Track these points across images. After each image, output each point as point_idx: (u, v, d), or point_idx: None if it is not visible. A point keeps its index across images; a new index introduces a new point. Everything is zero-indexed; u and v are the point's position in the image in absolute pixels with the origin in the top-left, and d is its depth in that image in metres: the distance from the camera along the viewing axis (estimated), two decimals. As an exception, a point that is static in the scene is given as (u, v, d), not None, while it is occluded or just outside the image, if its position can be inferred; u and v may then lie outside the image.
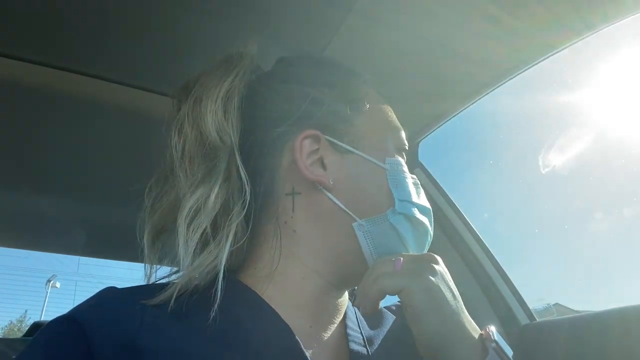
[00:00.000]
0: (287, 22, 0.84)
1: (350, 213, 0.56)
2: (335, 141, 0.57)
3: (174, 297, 0.50)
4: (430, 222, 0.61)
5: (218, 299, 0.50)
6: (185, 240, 0.51)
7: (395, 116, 0.66)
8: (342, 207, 0.56)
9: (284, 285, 0.56)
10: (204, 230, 0.51)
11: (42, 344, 0.47)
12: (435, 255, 0.53)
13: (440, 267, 0.52)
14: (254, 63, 0.63)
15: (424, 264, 0.51)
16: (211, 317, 0.51)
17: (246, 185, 0.54)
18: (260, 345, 0.50)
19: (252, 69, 0.63)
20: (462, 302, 0.51)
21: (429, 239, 0.61)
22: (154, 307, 0.51)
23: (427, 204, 0.61)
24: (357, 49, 0.89)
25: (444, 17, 0.81)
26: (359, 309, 0.53)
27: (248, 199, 0.54)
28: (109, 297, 0.52)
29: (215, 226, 0.53)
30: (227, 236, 0.52)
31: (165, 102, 1.02)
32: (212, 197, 0.52)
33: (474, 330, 0.50)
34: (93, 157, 1.20)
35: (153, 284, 0.57)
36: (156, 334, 0.48)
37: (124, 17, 0.81)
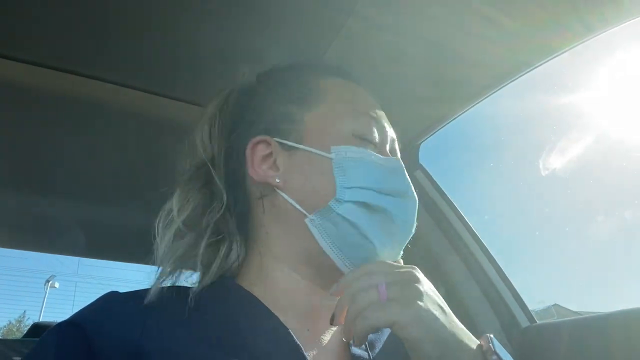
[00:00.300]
0: (287, 25, 0.84)
1: (300, 209, 0.57)
2: (282, 141, 0.60)
3: (156, 285, 0.54)
4: (405, 205, 0.58)
5: (201, 286, 0.54)
6: (162, 236, 0.57)
7: (364, 103, 0.65)
8: (293, 203, 0.58)
9: (272, 287, 0.58)
10: (177, 227, 0.57)
11: (45, 349, 0.48)
12: (415, 271, 0.51)
13: (423, 284, 0.50)
14: (236, 91, 0.69)
15: (409, 287, 0.48)
16: (209, 318, 0.53)
17: (223, 191, 0.60)
18: (262, 350, 0.50)
19: (237, 94, 0.69)
20: (452, 314, 0.50)
21: (403, 225, 0.58)
22: (156, 311, 0.51)
23: (400, 186, 0.59)
24: (358, 51, 0.89)
25: (444, 20, 0.81)
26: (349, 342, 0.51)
27: (225, 201, 0.60)
28: (111, 302, 0.53)
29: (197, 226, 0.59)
30: (205, 229, 0.58)
31: (166, 103, 1.03)
32: (185, 197, 0.59)
33: (472, 341, 0.49)
34: (94, 158, 1.20)
35: (153, 287, 0.57)
36: (158, 338, 0.48)
37: (124, 19, 0.81)
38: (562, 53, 0.86)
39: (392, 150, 0.65)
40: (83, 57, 0.91)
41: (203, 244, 0.57)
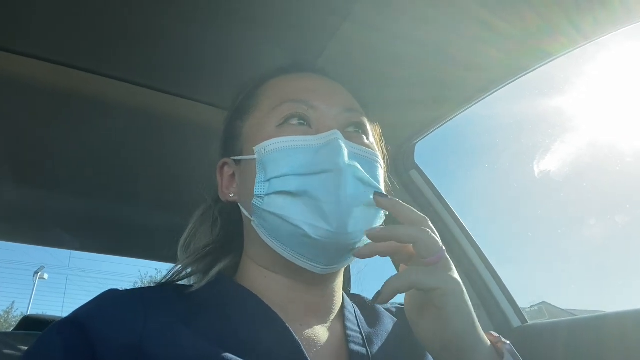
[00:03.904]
0: (284, 28, 0.85)
1: (247, 214, 0.60)
2: (233, 158, 0.64)
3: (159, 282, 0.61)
4: (334, 179, 0.54)
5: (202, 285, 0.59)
6: (180, 254, 0.66)
7: (293, 89, 0.63)
8: (243, 211, 0.62)
9: (260, 287, 0.59)
10: (191, 249, 0.66)
11: (48, 347, 0.48)
12: None
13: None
14: None
15: (449, 262, 0.50)
16: (209, 313, 0.54)
17: (217, 215, 0.67)
18: (261, 344, 0.51)
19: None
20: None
21: (335, 200, 0.53)
22: (156, 308, 0.52)
23: (326, 161, 0.55)
24: (354, 53, 0.90)
25: (440, 24, 0.82)
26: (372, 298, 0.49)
27: (224, 234, 0.67)
28: (112, 299, 0.53)
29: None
30: (199, 248, 0.65)
31: (167, 100, 1.04)
32: (189, 229, 0.68)
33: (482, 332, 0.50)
34: (93, 153, 1.21)
35: (152, 286, 0.61)
36: (159, 335, 0.49)
37: (134, 19, 0.83)
38: (557, 58, 0.87)
39: (346, 121, 0.62)
40: (88, 53, 0.92)
41: (195, 258, 0.63)
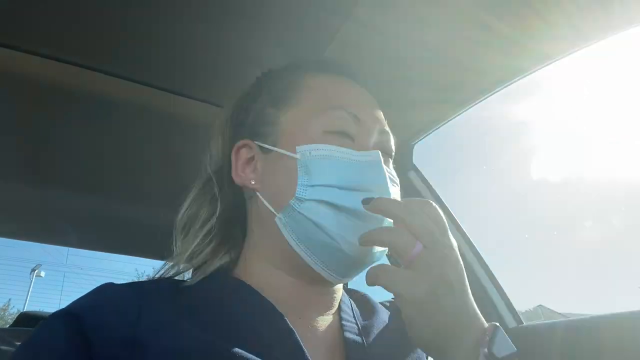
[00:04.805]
0: (286, 29, 0.86)
1: (271, 208, 0.59)
2: (261, 144, 0.62)
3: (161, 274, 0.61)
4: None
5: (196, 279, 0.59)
6: (175, 239, 0.64)
7: (343, 97, 0.64)
8: (266, 203, 0.60)
9: (257, 282, 0.59)
10: (187, 232, 0.63)
11: (42, 339, 0.48)
12: (453, 247, 0.49)
13: (454, 254, 0.48)
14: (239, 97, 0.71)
15: (427, 264, 0.46)
16: (204, 307, 0.54)
17: (219, 205, 0.63)
18: (256, 334, 0.52)
19: (239, 100, 0.71)
20: (463, 296, 0.48)
21: (375, 220, 0.55)
22: (152, 301, 0.52)
23: (372, 180, 0.57)
24: (355, 54, 0.90)
25: (441, 25, 0.83)
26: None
27: (223, 212, 0.63)
28: (107, 293, 0.54)
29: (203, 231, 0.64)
30: (208, 234, 0.63)
31: (169, 99, 1.05)
32: (186, 203, 0.65)
33: (470, 329, 0.48)
34: (91, 151, 1.22)
35: (148, 280, 0.61)
36: (154, 327, 0.49)
37: (140, 19, 0.84)
38: (557, 60, 0.87)
39: (380, 144, 0.63)
40: (91, 51, 0.93)
41: (194, 244, 0.61)
